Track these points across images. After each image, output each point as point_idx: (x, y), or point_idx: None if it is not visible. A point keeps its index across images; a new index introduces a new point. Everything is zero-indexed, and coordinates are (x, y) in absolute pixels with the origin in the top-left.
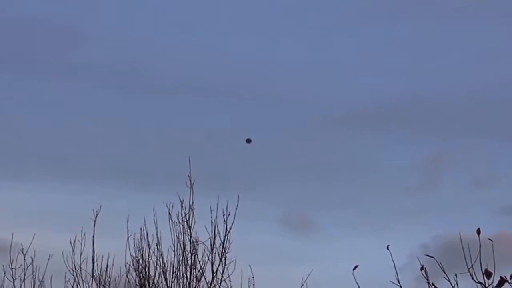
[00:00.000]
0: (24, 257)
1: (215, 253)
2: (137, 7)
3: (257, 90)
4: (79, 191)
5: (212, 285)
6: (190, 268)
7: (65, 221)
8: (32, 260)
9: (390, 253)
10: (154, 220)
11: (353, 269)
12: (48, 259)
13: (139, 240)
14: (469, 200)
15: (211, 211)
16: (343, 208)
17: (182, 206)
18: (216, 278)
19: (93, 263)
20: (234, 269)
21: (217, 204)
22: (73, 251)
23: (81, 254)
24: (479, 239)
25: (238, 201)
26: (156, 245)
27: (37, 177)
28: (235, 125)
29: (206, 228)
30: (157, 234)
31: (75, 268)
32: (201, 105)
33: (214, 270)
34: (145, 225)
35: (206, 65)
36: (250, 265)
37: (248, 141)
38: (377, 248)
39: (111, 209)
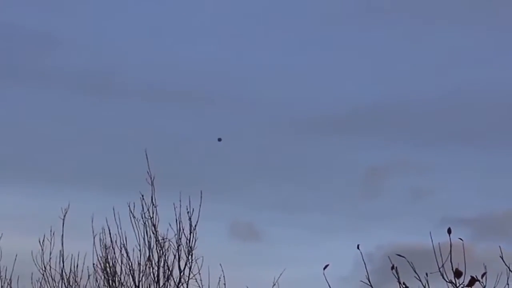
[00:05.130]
0: None
1: (181, 250)
2: (110, 12)
3: (229, 94)
4: (48, 193)
5: (181, 283)
6: (158, 266)
7: (32, 224)
8: None
9: (361, 253)
10: (117, 219)
11: (324, 268)
12: (15, 259)
13: (104, 239)
14: (411, 210)
15: (174, 208)
16: (304, 212)
17: (143, 201)
18: (184, 275)
19: (63, 261)
20: (201, 265)
21: (180, 201)
22: (42, 250)
23: (50, 253)
24: (450, 239)
25: (201, 197)
26: (122, 244)
27: (4, 180)
28: (207, 129)
29: (170, 225)
30: (119, 233)
31: (44, 267)
32: (174, 109)
33: (181, 267)
34: (119, 224)
35: (179, 70)
36: (220, 264)
37: (219, 140)
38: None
39: (81, 209)
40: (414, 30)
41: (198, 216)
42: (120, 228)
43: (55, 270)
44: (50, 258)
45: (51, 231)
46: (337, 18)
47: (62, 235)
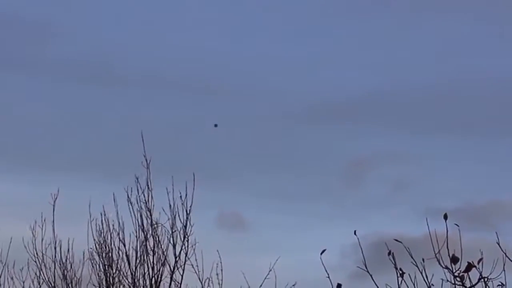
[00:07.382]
0: None
1: (176, 236)
2: (109, 2)
3: (224, 84)
4: (43, 180)
5: (176, 267)
6: (153, 251)
7: (27, 210)
8: None
9: (358, 238)
10: (114, 204)
11: (321, 253)
12: (10, 244)
13: (101, 225)
14: (396, 200)
15: (167, 193)
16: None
17: (139, 184)
18: (180, 260)
19: (55, 248)
20: (192, 252)
21: (172, 185)
22: (33, 236)
23: (42, 239)
24: (446, 225)
25: (194, 180)
26: (119, 229)
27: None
28: (202, 118)
29: (163, 210)
30: (117, 218)
31: (37, 253)
32: (171, 97)
33: (177, 252)
34: (117, 209)
35: (177, 59)
36: (218, 250)
37: (216, 125)
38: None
39: (76, 194)
40: (406, 20)
41: (192, 200)
42: (117, 213)
43: (48, 256)
44: (42, 245)
45: (42, 216)
46: (333, 7)
47: (53, 220)
